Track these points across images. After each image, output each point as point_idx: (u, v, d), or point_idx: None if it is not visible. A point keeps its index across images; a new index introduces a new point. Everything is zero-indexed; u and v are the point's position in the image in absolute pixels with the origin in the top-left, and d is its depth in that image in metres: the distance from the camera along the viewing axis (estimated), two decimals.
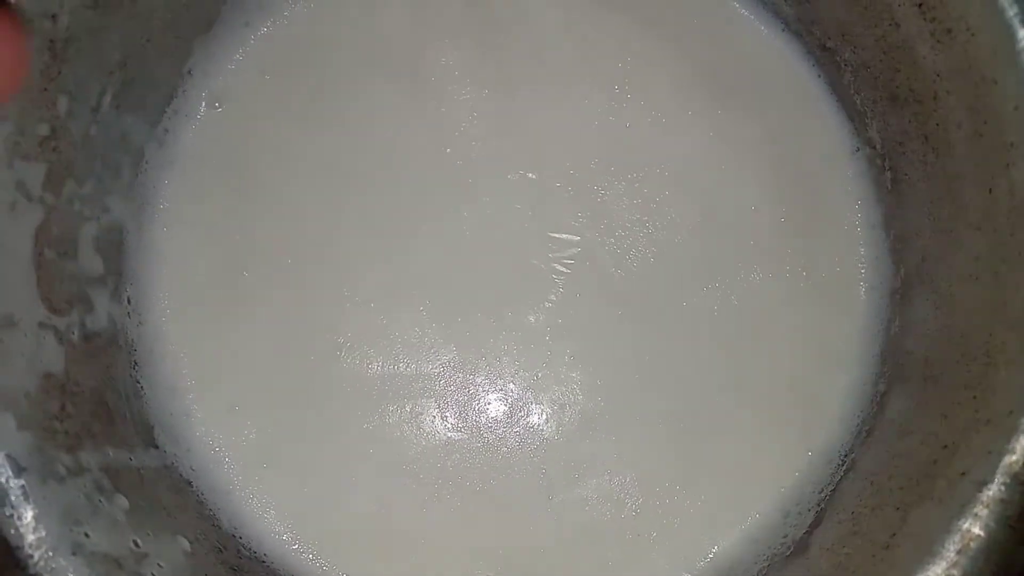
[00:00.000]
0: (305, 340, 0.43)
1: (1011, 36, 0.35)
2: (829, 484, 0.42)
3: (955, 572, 0.32)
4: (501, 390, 0.43)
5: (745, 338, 0.44)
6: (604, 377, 0.44)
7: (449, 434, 0.43)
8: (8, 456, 0.32)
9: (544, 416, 0.43)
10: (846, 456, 0.43)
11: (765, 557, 0.42)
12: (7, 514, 0.32)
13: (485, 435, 0.43)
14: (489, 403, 0.43)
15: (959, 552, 0.32)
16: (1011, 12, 0.35)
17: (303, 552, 0.42)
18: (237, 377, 0.43)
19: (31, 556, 0.32)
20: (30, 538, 0.32)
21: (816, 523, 0.41)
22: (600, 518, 0.43)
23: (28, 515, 0.32)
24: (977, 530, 0.32)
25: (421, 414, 0.43)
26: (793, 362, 0.44)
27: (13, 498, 0.32)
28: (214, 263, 0.44)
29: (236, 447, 0.43)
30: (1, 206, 0.34)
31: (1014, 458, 0.32)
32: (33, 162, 0.36)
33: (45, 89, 0.36)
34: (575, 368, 0.44)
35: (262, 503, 0.42)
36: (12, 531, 0.32)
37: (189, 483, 0.42)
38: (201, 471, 0.42)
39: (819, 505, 0.42)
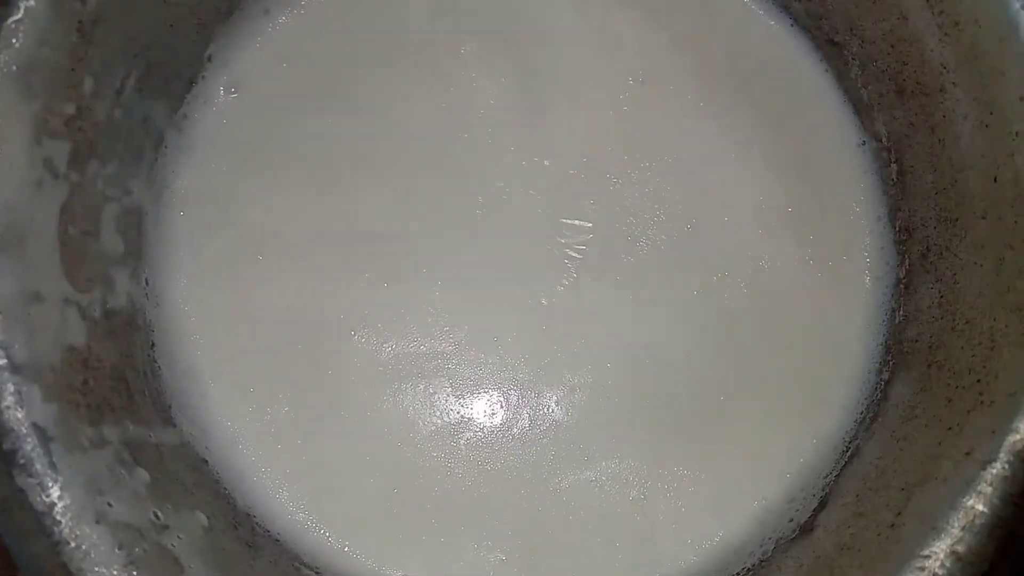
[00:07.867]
0: (319, 321, 0.44)
1: (1017, 28, 0.36)
2: (834, 469, 0.43)
3: (959, 548, 0.33)
4: (513, 371, 0.44)
5: (752, 326, 0.45)
6: (614, 361, 0.44)
7: (461, 414, 0.44)
8: (35, 426, 0.33)
9: (555, 398, 0.44)
10: (851, 442, 0.43)
11: (771, 540, 0.43)
12: (34, 482, 0.32)
13: (497, 415, 0.44)
14: (501, 384, 0.44)
15: (963, 529, 0.33)
16: (1017, 5, 0.35)
17: (316, 531, 0.43)
18: (252, 359, 0.44)
19: (57, 523, 0.32)
20: (56, 506, 0.32)
21: (821, 506, 0.42)
22: (608, 500, 0.43)
23: (54, 484, 0.33)
24: (981, 507, 0.33)
25: (434, 394, 0.44)
26: (799, 350, 0.45)
27: (39, 467, 0.32)
28: (230, 247, 0.44)
29: (251, 428, 0.43)
30: (29, 183, 0.35)
31: (1017, 437, 0.33)
32: (59, 140, 0.36)
33: (72, 69, 0.37)
34: (585, 352, 0.44)
35: (276, 483, 0.43)
36: (38, 499, 0.32)
37: (205, 462, 0.42)
38: (216, 451, 0.43)
39: (824, 489, 0.43)
